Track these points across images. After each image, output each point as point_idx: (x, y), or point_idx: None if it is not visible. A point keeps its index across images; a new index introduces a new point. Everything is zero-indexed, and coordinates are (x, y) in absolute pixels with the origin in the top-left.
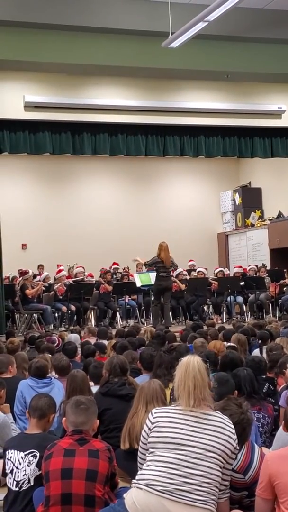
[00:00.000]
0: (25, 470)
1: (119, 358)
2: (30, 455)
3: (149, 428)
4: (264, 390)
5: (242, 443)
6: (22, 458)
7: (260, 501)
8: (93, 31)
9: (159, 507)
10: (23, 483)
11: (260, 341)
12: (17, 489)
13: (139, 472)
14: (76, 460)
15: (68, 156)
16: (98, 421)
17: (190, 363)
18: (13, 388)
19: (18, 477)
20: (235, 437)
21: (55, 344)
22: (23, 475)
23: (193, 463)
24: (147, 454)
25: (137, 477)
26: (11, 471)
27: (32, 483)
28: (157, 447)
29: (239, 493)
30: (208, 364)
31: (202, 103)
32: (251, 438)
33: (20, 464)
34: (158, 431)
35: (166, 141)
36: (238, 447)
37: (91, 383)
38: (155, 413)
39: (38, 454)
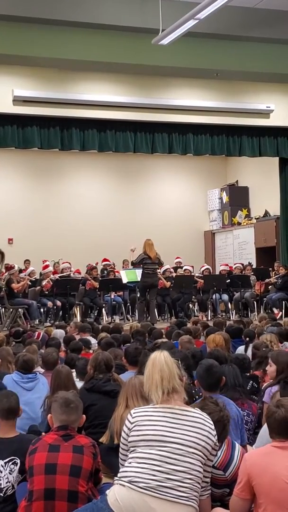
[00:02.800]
0: (7, 478)
1: (104, 354)
2: (10, 462)
3: (128, 428)
4: (248, 388)
5: (223, 440)
6: (2, 466)
7: (237, 500)
8: (84, 26)
9: (142, 504)
10: (7, 489)
11: (247, 339)
12: (2, 494)
13: (121, 469)
14: (61, 455)
15: (56, 151)
16: (84, 416)
17: (157, 358)
18: None
19: (1, 484)
20: (214, 432)
21: (40, 339)
22: (6, 483)
23: (175, 459)
24: (128, 454)
25: (119, 474)
26: None
27: (16, 489)
28: (138, 445)
29: (220, 490)
30: (180, 361)
31: (191, 101)
32: (235, 435)
33: (1, 472)
34: (138, 430)
35: (155, 138)
36: (218, 443)
37: (77, 380)
38: (134, 413)
39: (18, 461)
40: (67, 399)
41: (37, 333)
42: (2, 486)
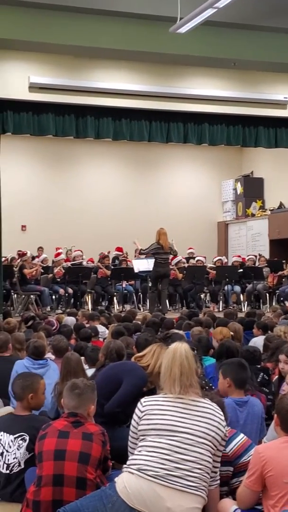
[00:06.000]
0: (15, 454)
1: (116, 343)
2: (19, 438)
3: (138, 417)
4: (258, 380)
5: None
6: (11, 441)
7: (247, 492)
8: (101, 13)
9: (150, 492)
10: (13, 466)
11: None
12: (8, 471)
13: (130, 457)
14: (70, 442)
15: (71, 139)
16: (93, 407)
17: (178, 350)
18: (9, 367)
19: (8, 460)
20: (224, 423)
21: (53, 328)
22: (13, 459)
23: (185, 449)
24: (137, 442)
25: (128, 462)
26: (1, 454)
27: (22, 466)
28: (148, 434)
29: (224, 469)
30: (196, 351)
31: (207, 90)
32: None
33: (10, 447)
34: (148, 419)
35: (170, 127)
36: (227, 434)
37: (86, 366)
38: (144, 401)
39: (27, 438)
40: (74, 384)
41: (56, 322)
42: (9, 462)
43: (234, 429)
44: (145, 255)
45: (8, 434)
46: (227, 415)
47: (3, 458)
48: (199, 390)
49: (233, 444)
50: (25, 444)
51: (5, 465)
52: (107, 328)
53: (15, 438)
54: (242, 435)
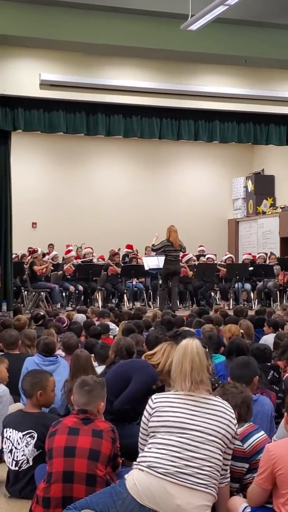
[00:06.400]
0: (23, 451)
1: (126, 340)
2: (27, 435)
3: (149, 414)
4: (268, 378)
5: (247, 419)
6: (20, 438)
7: (258, 490)
8: (112, 10)
9: (160, 490)
10: (22, 463)
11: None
12: (17, 468)
13: (140, 454)
14: (80, 439)
15: (81, 136)
16: (103, 404)
17: (189, 346)
18: (20, 364)
19: (17, 457)
20: (235, 421)
21: (64, 325)
22: (22, 455)
23: (195, 446)
24: (148, 439)
25: (138, 459)
26: (10, 451)
27: (31, 463)
28: (159, 431)
29: (239, 465)
30: (207, 348)
31: (218, 88)
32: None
33: (18, 444)
34: (158, 416)
35: (181, 124)
36: (238, 433)
37: (95, 363)
38: (154, 399)
39: (35, 435)
40: (84, 381)
41: (66, 319)
42: (18, 459)
43: (256, 425)
44: (155, 252)
45: (16, 431)
46: (251, 411)
47: (12, 455)
48: (210, 387)
49: (252, 440)
50: (33, 442)
51: (14, 462)
52: (117, 325)
53: (23, 435)
54: (262, 432)
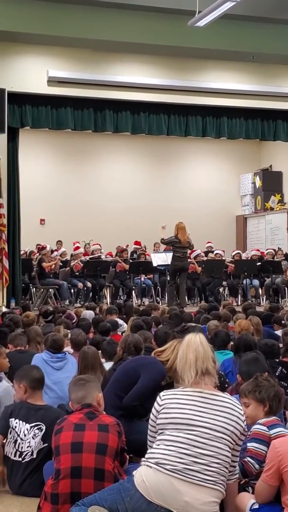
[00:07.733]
0: (29, 442)
1: (134, 337)
2: (36, 427)
3: (157, 411)
4: (276, 374)
5: (277, 412)
6: (27, 430)
7: (265, 486)
8: (119, 7)
9: (168, 486)
10: (26, 454)
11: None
12: (20, 459)
13: (148, 451)
14: (86, 434)
15: (89, 133)
16: (101, 394)
17: (192, 339)
18: (28, 362)
19: (22, 448)
20: (243, 418)
21: (73, 321)
22: (27, 447)
23: (203, 443)
24: (156, 436)
25: (146, 456)
26: (15, 441)
27: (34, 456)
28: (167, 428)
29: (264, 448)
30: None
31: (226, 84)
32: None
33: (25, 435)
34: (166, 413)
35: (188, 121)
36: (246, 429)
37: (103, 360)
38: (162, 395)
39: (43, 427)
40: (77, 377)
41: (74, 315)
42: (22, 450)
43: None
44: (164, 248)
45: (24, 423)
46: (282, 405)
47: (16, 446)
48: (216, 378)
49: (277, 430)
50: (40, 434)
51: (18, 453)
52: (126, 322)
53: (31, 427)
54: (281, 427)
